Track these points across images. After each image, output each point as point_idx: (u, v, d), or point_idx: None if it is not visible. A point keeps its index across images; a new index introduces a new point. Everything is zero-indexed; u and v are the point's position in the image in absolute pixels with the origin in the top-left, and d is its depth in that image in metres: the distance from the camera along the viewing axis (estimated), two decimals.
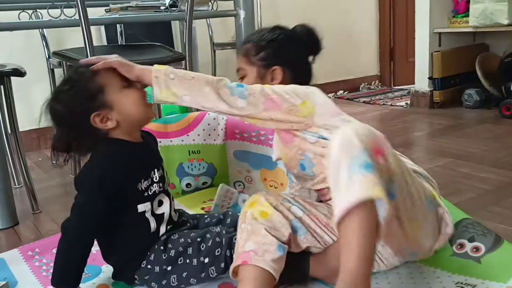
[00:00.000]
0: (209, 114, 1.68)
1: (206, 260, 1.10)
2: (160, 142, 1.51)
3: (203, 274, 1.11)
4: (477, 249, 1.14)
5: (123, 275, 1.17)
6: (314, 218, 1.08)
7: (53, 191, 2.05)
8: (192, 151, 1.70)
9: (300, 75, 1.25)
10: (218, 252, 1.10)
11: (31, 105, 2.77)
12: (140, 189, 1.11)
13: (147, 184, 1.13)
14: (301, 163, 1.15)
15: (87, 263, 1.07)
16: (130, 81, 1.10)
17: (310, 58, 1.28)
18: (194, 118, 1.71)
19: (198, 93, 1.07)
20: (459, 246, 1.17)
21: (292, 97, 1.09)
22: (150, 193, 1.13)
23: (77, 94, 1.08)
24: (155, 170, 1.15)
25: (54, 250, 1.34)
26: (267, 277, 0.97)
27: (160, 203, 1.16)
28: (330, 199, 1.10)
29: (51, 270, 1.25)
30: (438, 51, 3.11)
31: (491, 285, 1.05)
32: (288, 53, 1.25)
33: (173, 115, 1.75)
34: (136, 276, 1.14)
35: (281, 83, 1.21)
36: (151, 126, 1.59)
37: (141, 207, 1.12)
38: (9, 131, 1.88)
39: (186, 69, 2.00)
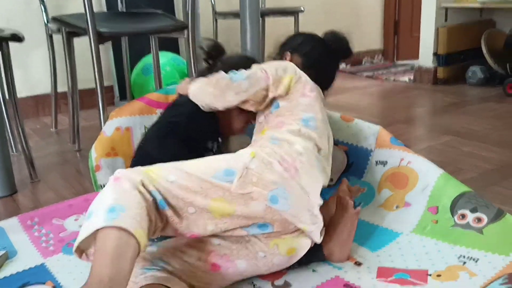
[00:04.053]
0: None
1: None
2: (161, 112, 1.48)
3: None
4: (479, 219, 1.13)
5: None
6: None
7: (51, 159, 2.04)
8: None
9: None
10: None
11: (29, 71, 2.73)
12: (208, 147, 1.24)
13: (211, 145, 1.25)
14: None
15: None
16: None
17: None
18: None
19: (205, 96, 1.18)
20: (461, 217, 1.16)
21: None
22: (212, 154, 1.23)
23: None
24: (219, 138, 1.30)
25: (54, 221, 1.35)
26: None
27: None
28: None
29: (51, 241, 1.26)
30: (444, 26, 3.06)
31: (493, 258, 1.04)
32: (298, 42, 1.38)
33: (175, 85, 1.71)
34: None
35: None
36: (153, 96, 1.56)
37: None
38: (7, 97, 1.85)
39: (188, 38, 1.97)
